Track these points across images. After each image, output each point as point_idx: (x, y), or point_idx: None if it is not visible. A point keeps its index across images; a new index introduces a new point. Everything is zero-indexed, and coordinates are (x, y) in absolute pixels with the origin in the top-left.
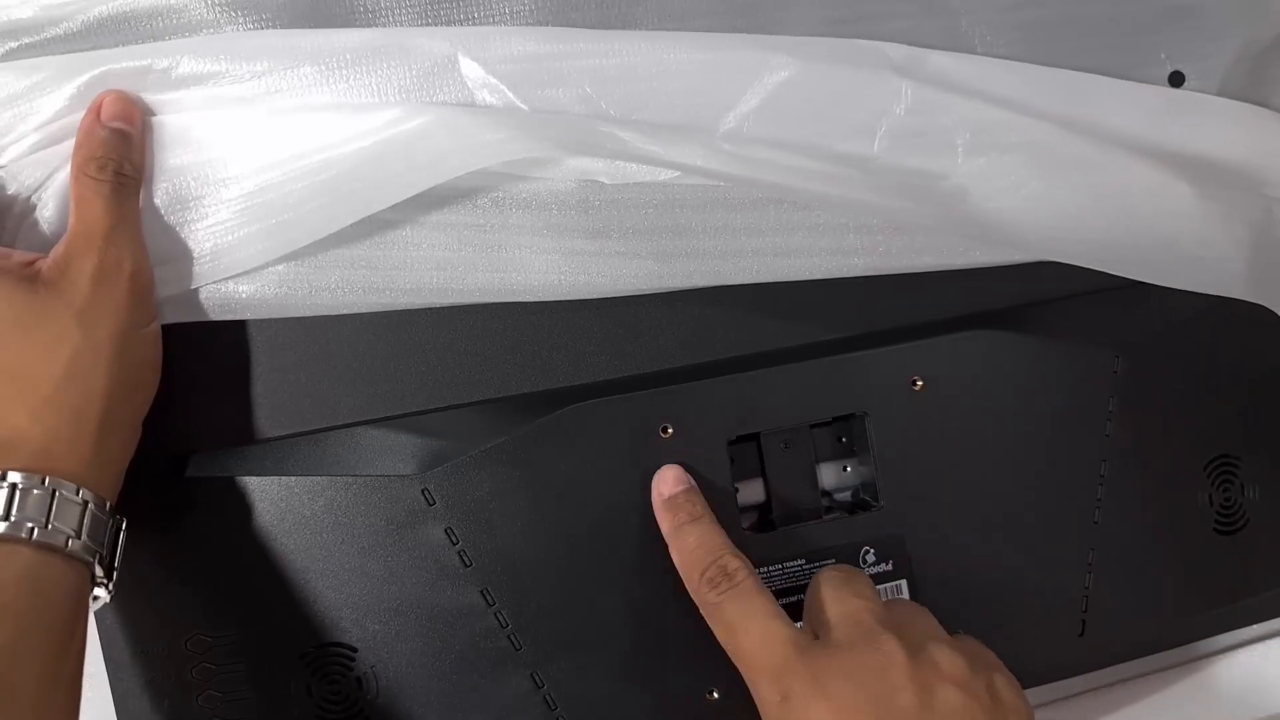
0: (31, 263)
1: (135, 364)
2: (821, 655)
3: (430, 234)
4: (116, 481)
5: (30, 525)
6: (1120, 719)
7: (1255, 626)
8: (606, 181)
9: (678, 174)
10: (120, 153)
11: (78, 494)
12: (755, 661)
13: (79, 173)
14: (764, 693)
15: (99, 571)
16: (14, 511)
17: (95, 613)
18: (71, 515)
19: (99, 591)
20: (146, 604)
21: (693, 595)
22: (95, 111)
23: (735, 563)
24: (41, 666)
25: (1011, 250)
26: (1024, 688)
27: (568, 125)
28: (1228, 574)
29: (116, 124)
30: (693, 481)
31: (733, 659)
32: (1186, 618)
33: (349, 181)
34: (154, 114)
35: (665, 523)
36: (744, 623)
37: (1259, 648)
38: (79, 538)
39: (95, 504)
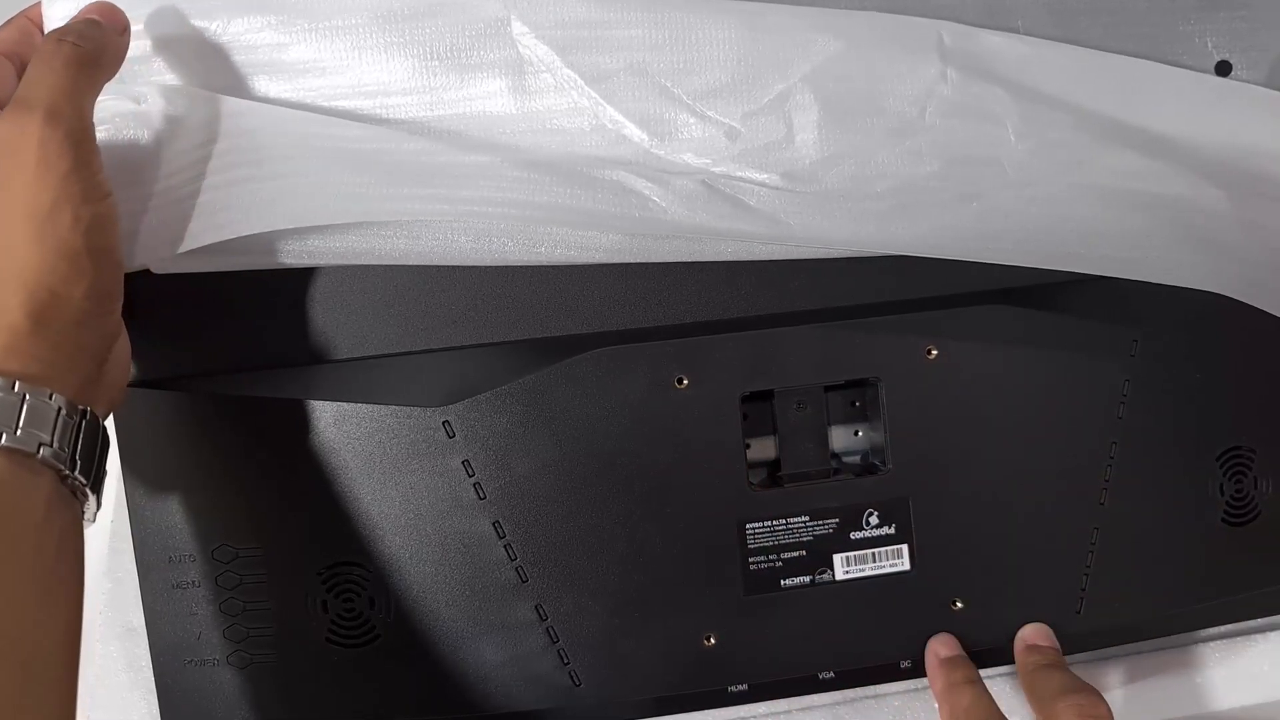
0: None
1: (72, 248)
2: None
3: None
4: (89, 380)
5: None
6: (1111, 698)
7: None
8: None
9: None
10: (83, 32)
11: (50, 398)
12: None
13: (36, 50)
14: None
15: (79, 478)
16: None
17: (132, 516)
18: (42, 419)
19: (88, 506)
20: (179, 511)
21: None
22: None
23: None
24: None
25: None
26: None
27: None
28: (1233, 565)
29: (90, 15)
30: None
31: None
32: (1187, 606)
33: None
34: (193, 49)
35: (940, 680)
36: None
37: (1258, 638)
38: (51, 444)
39: (66, 408)
